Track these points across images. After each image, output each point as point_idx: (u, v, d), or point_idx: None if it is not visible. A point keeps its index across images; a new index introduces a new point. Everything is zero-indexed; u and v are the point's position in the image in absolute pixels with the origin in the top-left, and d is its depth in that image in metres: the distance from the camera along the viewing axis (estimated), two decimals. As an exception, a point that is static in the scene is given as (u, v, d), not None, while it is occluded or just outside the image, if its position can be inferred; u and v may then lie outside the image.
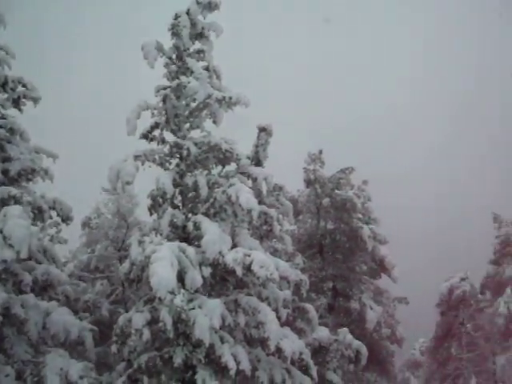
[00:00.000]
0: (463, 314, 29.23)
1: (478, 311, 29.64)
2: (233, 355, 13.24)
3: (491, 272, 32.43)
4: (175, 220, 14.79)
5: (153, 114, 15.84)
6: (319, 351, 17.95)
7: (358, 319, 23.49)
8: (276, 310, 14.49)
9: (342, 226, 24.92)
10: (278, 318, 14.60)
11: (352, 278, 24.78)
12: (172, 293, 12.34)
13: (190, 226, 14.41)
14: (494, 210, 33.32)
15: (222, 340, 13.58)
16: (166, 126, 15.82)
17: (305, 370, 14.89)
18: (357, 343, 19.05)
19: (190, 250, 13.39)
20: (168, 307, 12.73)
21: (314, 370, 14.90)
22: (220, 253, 13.37)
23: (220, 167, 16.11)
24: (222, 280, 14.78)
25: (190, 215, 15.08)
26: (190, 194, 15.45)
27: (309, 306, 17.72)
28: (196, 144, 15.60)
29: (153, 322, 13.36)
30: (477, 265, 33.92)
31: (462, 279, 30.40)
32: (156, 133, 15.89)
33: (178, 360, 13.27)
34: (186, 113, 16.00)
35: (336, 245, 25.25)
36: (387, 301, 26.35)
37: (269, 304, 14.44)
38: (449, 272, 31.02)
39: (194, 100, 15.76)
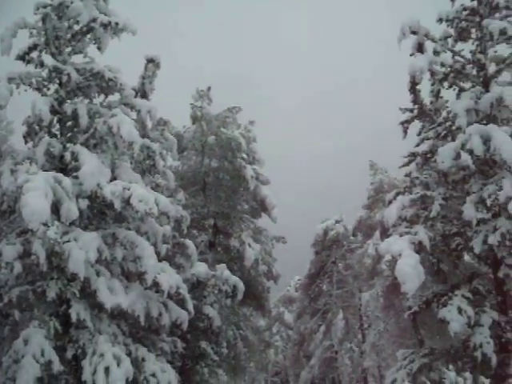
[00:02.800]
0: (335, 253, 30.94)
1: (349, 252, 31.49)
2: (109, 289, 13.11)
3: (364, 216, 34.48)
4: (52, 149, 14.07)
5: (31, 33, 14.73)
6: (197, 286, 18.28)
7: (237, 256, 24.03)
8: (155, 245, 14.45)
9: (225, 165, 25.00)
10: (157, 253, 14.60)
11: (233, 216, 25.15)
12: (45, 225, 11.86)
13: (68, 156, 13.78)
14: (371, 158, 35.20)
15: (98, 274, 13.38)
16: (46, 49, 14.81)
17: (181, 304, 15.13)
18: (234, 279, 19.58)
19: (67, 181, 12.85)
20: (41, 239, 12.24)
21: (190, 304, 15.18)
22: (98, 185, 12.95)
23: (102, 96, 15.44)
24: (100, 213, 14.45)
25: (68, 145, 14.37)
26: (69, 123, 14.73)
27: (188, 242, 17.89)
28: (78, 70, 14.77)
29: (25, 255, 12.83)
30: (352, 209, 35.86)
31: (337, 221, 32.03)
32: (34, 55, 14.85)
33: (51, 294, 12.91)
34: (68, 36, 15.04)
35: (219, 183, 25.38)
36: (266, 239, 27.13)
37: (147, 239, 14.35)
38: (325, 214, 32.53)
39: (78, 22, 14.84)
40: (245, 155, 24.91)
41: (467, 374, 7.92)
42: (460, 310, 13.53)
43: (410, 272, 13.15)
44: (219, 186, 25.60)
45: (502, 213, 14.35)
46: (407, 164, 17.44)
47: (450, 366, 8.29)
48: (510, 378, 8.16)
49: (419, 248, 14.27)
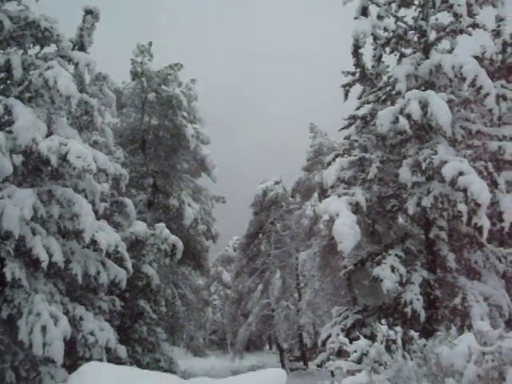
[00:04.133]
0: (274, 214, 31.21)
1: (288, 212, 31.88)
2: (45, 247, 12.77)
3: (303, 178, 34.98)
4: (-17, 102, 13.36)
5: (-45, -24, 13.78)
6: (136, 245, 18.12)
7: (176, 215, 24.01)
8: (93, 203, 14.15)
9: (166, 123, 24.68)
10: (95, 212, 14.32)
11: (172, 176, 25.00)
12: (-23, 181, 11.36)
13: (0, 109, 13.07)
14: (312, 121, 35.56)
15: (34, 232, 12.99)
16: (-26, -6, 13.90)
17: (120, 263, 15.00)
18: (173, 238, 19.55)
19: (0, 135, 12.28)
20: (-28, 195, 11.74)
21: (129, 263, 15.08)
22: (33, 140, 12.43)
23: (38, 47, 14.72)
24: (36, 170, 13.93)
25: (0, 98, 13.68)
26: (2, 75, 14.00)
27: (127, 201, 17.66)
28: (11, 18, 14.01)
29: (-45, 211, 12.27)
30: (291, 170, 36.29)
31: (276, 183, 32.23)
32: (-39, 0, 13.91)
33: (-16, 252, 12.48)
34: (-1, -20, 14.15)
35: (159, 141, 25.08)
36: (205, 199, 27.17)
37: (85, 196, 14.01)
38: (265, 175, 32.71)
39: (9, -34, 13.98)
40: (185, 113, 24.64)
41: (398, 328, 8.26)
42: (393, 269, 14.08)
43: (347, 231, 13.51)
44: (159, 145, 25.28)
45: (435, 176, 14.89)
46: (347, 127, 17.74)
47: (383, 321, 8.63)
48: (436, 332, 8.67)
49: (356, 209, 14.66)
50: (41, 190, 13.42)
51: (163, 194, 25.27)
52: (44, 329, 12.06)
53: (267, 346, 46.67)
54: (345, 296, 19.83)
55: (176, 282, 24.54)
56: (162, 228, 19.39)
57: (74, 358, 13.63)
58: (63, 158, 12.57)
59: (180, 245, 19.99)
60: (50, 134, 13.22)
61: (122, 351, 14.64)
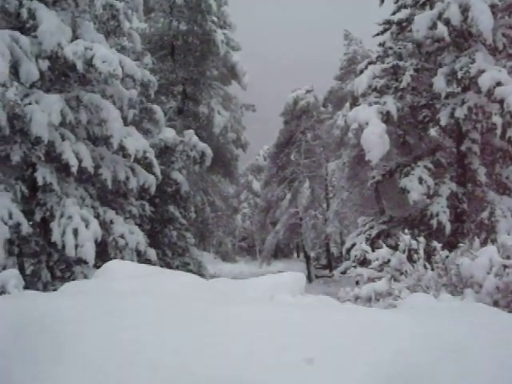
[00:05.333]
0: (305, 123, 30.89)
1: (319, 122, 31.51)
2: (74, 152, 12.94)
3: (335, 87, 34.13)
4: (7, 6, 13.09)
5: None
6: (165, 152, 18.24)
7: (205, 123, 23.92)
8: (121, 109, 14.12)
9: (195, 29, 23.99)
10: (124, 118, 14.34)
11: (202, 83, 24.63)
12: (4, 85, 11.35)
13: (25, 13, 12.83)
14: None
15: (63, 137, 13.13)
16: None
17: (149, 169, 15.18)
18: (202, 145, 19.59)
19: (25, 39, 12.12)
20: (0, 102, 11.78)
21: (157, 169, 15.24)
22: (59, 45, 12.25)
23: None
24: (63, 75, 13.86)
25: (24, 1, 13.38)
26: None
27: (156, 107, 17.57)
28: None
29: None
30: (324, 80, 35.39)
31: (308, 91, 31.61)
32: None
33: (15, 158, 12.67)
34: None
35: (188, 47, 24.52)
36: (235, 107, 26.89)
37: (113, 102, 13.97)
38: (297, 84, 32.06)
39: None
40: (215, 18, 23.88)
41: (421, 239, 8.26)
42: (421, 181, 13.95)
43: (376, 140, 13.30)
44: (188, 51, 24.74)
45: (471, 86, 14.33)
46: (382, 33, 17.00)
47: (406, 231, 8.63)
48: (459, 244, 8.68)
49: (387, 118, 14.34)
50: (68, 96, 13.41)
51: (193, 102, 25.06)
52: (76, 231, 12.46)
53: (295, 254, 47.76)
54: (372, 207, 19.84)
55: (206, 189, 24.85)
56: (190, 135, 19.39)
57: (105, 259, 14.02)
58: (89, 63, 12.42)
59: (209, 152, 20.05)
60: (75, 38, 13.00)
61: (152, 254, 15.11)
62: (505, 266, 6.85)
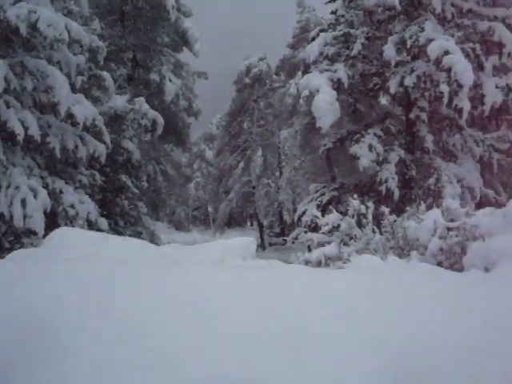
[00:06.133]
0: (257, 92, 30.84)
1: (271, 90, 31.48)
2: (20, 120, 12.55)
3: (287, 55, 34.01)
4: None
5: None
6: (115, 120, 17.86)
7: (156, 91, 23.49)
8: (68, 76, 13.72)
9: (145, -7, 23.35)
10: (72, 85, 13.96)
11: (153, 50, 24.12)
12: None
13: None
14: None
15: (8, 105, 12.69)
16: None
17: (99, 137, 14.89)
18: (153, 113, 19.31)
19: (-36, 0, 11.59)
20: None
21: (107, 137, 14.97)
22: (1, 7, 11.78)
23: None
24: (6, 40, 13.31)
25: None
26: None
27: (105, 74, 17.15)
28: None
29: None
30: (277, 48, 35.20)
31: (260, 59, 31.50)
32: None
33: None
34: None
35: (138, 13, 23.86)
36: (187, 74, 26.50)
37: (60, 69, 13.54)
38: (249, 52, 31.86)
39: None
40: (166, -17, 23.25)
41: (370, 204, 8.46)
42: (370, 148, 14.20)
43: (326, 107, 13.41)
44: (138, 17, 24.10)
45: (420, 55, 14.56)
46: (333, 0, 16.99)
47: (355, 196, 8.81)
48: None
49: (338, 86, 14.45)
50: (12, 62, 12.92)
51: (143, 69, 24.55)
52: (24, 201, 12.17)
53: (248, 223, 48.11)
54: (324, 174, 20.09)
55: (158, 158, 24.59)
56: (141, 102, 19.06)
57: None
58: (33, 27, 11.99)
59: (160, 120, 19.79)
60: (18, 1, 12.49)
61: (104, 224, 14.94)
62: (448, 229, 7.12)
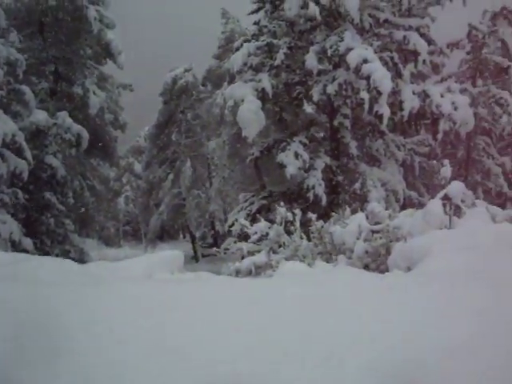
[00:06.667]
0: (184, 103, 30.69)
1: (198, 101, 31.41)
2: None
3: (213, 65, 34.11)
4: None
5: None
6: (37, 135, 17.36)
7: (80, 104, 22.94)
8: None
9: (65, 4, 22.79)
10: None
11: (75, 62, 23.55)
12: None
13: None
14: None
15: None
16: None
17: (20, 154, 14.41)
18: (77, 127, 18.87)
19: None
20: None
21: (28, 153, 14.54)
22: None
23: None
24: None
25: None
26: None
27: (25, 88, 16.66)
28: None
29: None
30: (202, 58, 35.22)
31: (187, 70, 31.39)
32: None
33: None
34: None
35: (59, 24, 23.27)
36: (112, 87, 26.06)
37: (-25, 83, 13.03)
38: (175, 63, 31.71)
39: None
40: (86, -6, 22.82)
41: (297, 211, 8.58)
42: (297, 155, 14.44)
43: (251, 117, 13.55)
44: (59, 28, 23.50)
45: (341, 64, 14.97)
46: (256, 11, 17.22)
47: (281, 204, 8.93)
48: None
49: (262, 95, 14.63)
50: None
51: (66, 82, 23.92)
52: None
53: (181, 235, 47.66)
54: (253, 184, 20.20)
55: (84, 173, 23.98)
56: (64, 116, 18.59)
57: (-24, 251, 13.32)
58: None
59: (85, 134, 19.37)
60: None
61: (29, 243, 14.50)
62: (373, 232, 7.33)
